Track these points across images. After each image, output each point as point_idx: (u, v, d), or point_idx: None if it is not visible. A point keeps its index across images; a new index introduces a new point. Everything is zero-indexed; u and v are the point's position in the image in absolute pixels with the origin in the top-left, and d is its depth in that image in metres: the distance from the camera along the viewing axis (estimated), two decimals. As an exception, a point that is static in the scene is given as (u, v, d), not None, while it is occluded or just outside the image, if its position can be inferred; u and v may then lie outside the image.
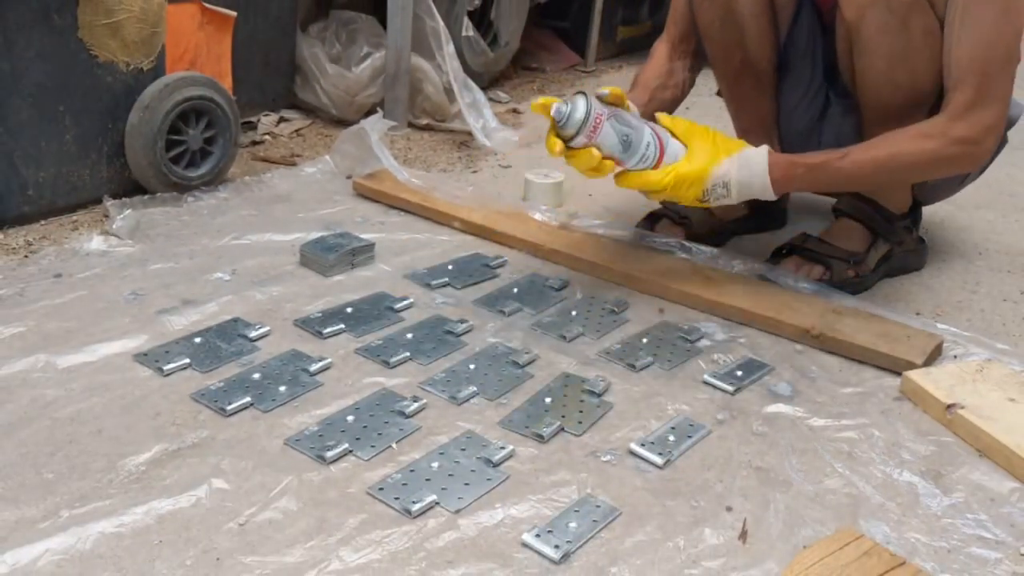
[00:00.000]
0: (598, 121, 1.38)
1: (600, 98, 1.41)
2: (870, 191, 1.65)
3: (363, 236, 1.70)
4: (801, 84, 1.66)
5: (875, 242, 1.64)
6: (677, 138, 1.47)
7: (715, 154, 1.45)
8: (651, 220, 1.80)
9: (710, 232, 1.76)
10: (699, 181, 1.44)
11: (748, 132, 1.77)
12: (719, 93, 1.80)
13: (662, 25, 1.74)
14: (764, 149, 1.47)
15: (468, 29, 2.68)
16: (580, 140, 1.38)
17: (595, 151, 1.38)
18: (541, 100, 1.37)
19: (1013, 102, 1.60)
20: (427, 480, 1.11)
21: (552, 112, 1.36)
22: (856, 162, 1.44)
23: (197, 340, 1.37)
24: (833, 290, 1.57)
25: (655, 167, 1.44)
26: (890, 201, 1.65)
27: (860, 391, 1.35)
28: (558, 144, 1.39)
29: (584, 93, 1.39)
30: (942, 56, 1.42)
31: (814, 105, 1.68)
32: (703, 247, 1.70)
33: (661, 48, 1.70)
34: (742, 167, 1.45)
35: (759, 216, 1.84)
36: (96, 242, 1.67)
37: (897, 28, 1.41)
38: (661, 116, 1.50)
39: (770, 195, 1.47)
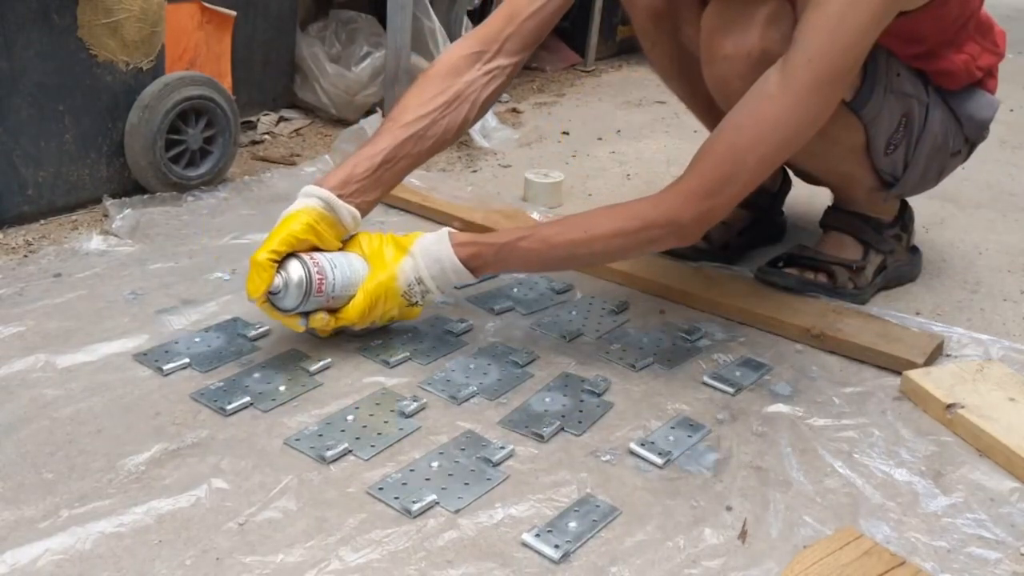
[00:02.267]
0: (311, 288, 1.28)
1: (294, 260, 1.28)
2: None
3: (363, 236, 1.70)
4: None
5: (867, 253, 1.63)
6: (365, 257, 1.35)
7: (395, 256, 1.33)
8: None
9: (725, 245, 1.74)
10: (392, 290, 1.31)
11: None
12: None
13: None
14: (443, 232, 1.33)
15: (468, 29, 2.68)
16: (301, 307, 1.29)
17: (320, 316, 1.31)
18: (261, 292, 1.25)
19: (987, 100, 1.59)
20: (427, 480, 1.11)
21: (271, 289, 1.26)
22: (546, 241, 1.32)
23: (197, 340, 1.37)
24: (833, 298, 1.56)
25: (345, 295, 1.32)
26: (874, 208, 1.63)
27: (860, 391, 1.35)
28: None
29: (297, 265, 1.27)
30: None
31: None
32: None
33: (454, 54, 1.45)
34: (427, 259, 1.31)
35: (761, 222, 1.81)
36: (96, 242, 1.67)
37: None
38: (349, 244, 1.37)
39: (468, 278, 1.34)
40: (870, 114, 1.44)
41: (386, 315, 1.34)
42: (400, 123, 1.40)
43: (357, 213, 1.35)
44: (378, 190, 1.39)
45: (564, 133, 2.51)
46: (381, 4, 2.37)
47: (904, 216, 1.68)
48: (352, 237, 1.37)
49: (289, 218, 1.30)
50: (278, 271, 1.27)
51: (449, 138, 1.44)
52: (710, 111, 1.71)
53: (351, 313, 1.31)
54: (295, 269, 1.27)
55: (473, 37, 1.46)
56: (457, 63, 1.43)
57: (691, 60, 1.58)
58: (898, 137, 1.50)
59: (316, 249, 1.32)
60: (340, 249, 1.35)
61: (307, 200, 1.32)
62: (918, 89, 1.50)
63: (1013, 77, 2.60)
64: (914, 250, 1.74)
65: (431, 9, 2.44)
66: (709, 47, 1.42)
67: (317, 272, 1.28)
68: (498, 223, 1.79)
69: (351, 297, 1.32)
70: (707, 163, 1.28)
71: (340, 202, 1.33)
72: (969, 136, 1.61)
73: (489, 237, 1.35)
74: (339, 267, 1.31)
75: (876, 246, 1.62)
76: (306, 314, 1.31)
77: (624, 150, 2.40)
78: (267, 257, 1.25)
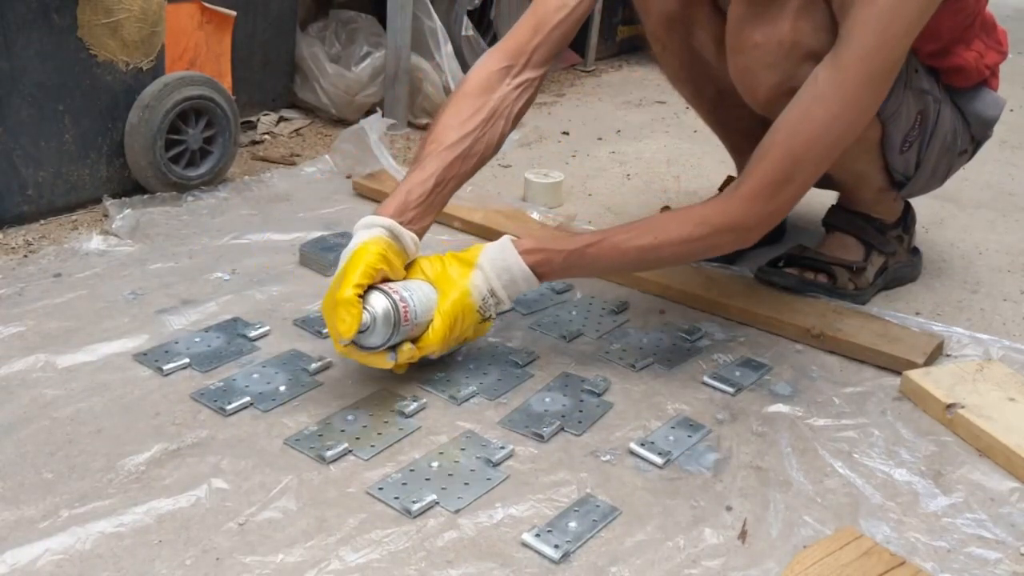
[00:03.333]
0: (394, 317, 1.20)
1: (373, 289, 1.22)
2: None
3: (363, 236, 1.70)
4: None
5: (869, 254, 1.63)
6: (430, 281, 1.30)
7: (462, 272, 1.29)
8: None
9: None
10: (468, 306, 1.27)
11: (742, 152, 1.74)
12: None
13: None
14: (506, 240, 1.31)
15: (468, 29, 2.68)
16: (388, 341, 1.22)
17: (407, 346, 1.24)
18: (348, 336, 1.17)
19: (993, 98, 1.59)
20: (427, 480, 1.11)
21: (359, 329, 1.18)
22: (616, 248, 1.31)
23: (197, 340, 1.37)
24: (834, 298, 1.56)
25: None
26: (879, 208, 1.63)
27: (860, 391, 1.35)
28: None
29: (379, 296, 1.20)
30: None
31: None
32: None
33: (484, 70, 1.42)
34: (497, 269, 1.29)
35: None
36: (96, 242, 1.67)
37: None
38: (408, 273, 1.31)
39: (535, 285, 1.32)
40: (889, 110, 1.44)
41: (463, 335, 1.29)
42: (444, 145, 1.37)
43: (417, 239, 1.32)
44: (432, 214, 1.35)
45: (564, 133, 2.51)
46: (381, 4, 2.37)
47: (907, 217, 1.68)
48: (411, 264, 1.32)
49: (360, 250, 1.23)
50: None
51: (489, 154, 1.42)
52: (714, 112, 1.72)
53: (432, 339, 1.25)
54: (378, 301, 1.19)
55: (501, 51, 1.44)
56: (488, 79, 1.42)
57: (701, 64, 1.59)
58: (913, 135, 1.50)
59: (386, 280, 1.24)
60: (404, 277, 1.30)
61: (372, 231, 1.26)
62: (932, 86, 1.50)
63: (1013, 77, 2.59)
64: (915, 251, 1.74)
65: (431, 9, 2.44)
66: (737, 36, 1.41)
67: (400, 299, 1.20)
68: (498, 223, 1.79)
69: (428, 323, 1.25)
70: (765, 167, 1.28)
71: (403, 229, 1.28)
72: (975, 135, 1.61)
73: (555, 243, 1.33)
74: (413, 292, 1.24)
75: (879, 247, 1.62)
76: (392, 348, 1.23)
77: (624, 150, 2.40)
78: (354, 292, 1.17)
